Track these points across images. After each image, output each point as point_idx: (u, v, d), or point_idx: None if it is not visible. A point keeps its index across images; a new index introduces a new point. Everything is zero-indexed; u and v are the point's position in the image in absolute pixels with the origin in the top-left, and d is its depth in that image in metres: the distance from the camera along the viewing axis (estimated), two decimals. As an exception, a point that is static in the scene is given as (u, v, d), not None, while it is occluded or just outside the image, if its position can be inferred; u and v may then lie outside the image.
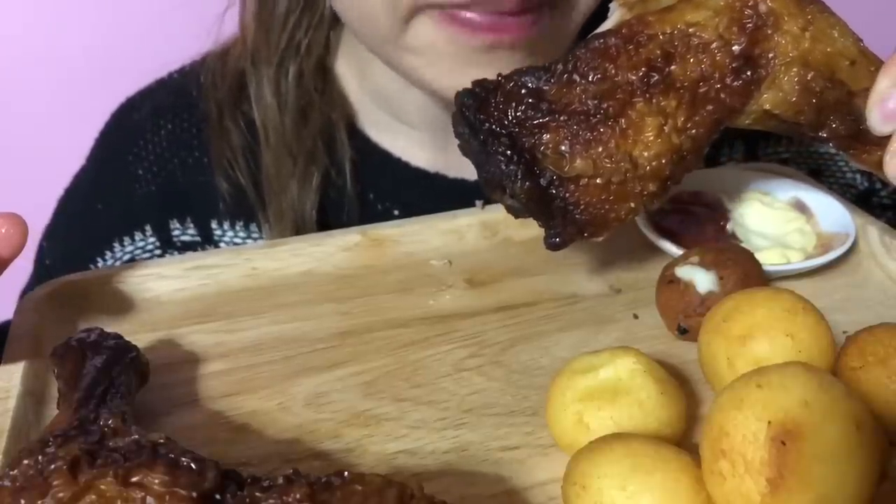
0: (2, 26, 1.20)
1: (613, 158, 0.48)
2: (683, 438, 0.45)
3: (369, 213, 0.78)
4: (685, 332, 0.53)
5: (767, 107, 0.49)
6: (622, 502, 0.38)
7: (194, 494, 0.34)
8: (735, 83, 0.48)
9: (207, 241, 0.79)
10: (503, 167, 0.49)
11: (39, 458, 0.35)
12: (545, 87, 0.49)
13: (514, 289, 0.60)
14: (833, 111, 0.49)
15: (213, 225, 0.78)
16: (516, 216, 0.53)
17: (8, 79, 1.20)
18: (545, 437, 0.46)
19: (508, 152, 0.48)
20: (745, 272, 0.54)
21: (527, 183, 0.48)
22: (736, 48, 0.48)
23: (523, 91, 0.49)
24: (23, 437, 0.46)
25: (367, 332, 0.56)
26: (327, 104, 0.77)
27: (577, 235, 0.51)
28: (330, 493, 0.35)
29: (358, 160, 0.78)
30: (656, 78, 0.48)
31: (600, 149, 0.48)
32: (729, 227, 0.63)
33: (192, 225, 0.78)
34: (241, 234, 0.78)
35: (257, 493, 0.35)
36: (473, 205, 0.66)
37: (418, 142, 0.79)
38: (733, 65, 0.48)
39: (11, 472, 0.35)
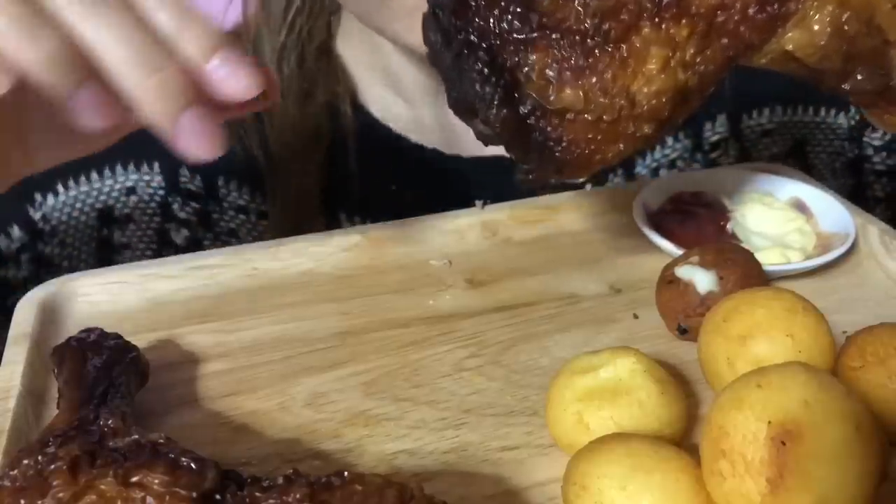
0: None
1: (608, 92, 0.42)
2: (683, 438, 0.45)
3: (368, 189, 0.78)
4: (685, 332, 0.53)
5: (790, 47, 0.43)
6: (622, 502, 0.38)
7: (194, 494, 0.34)
8: (759, 15, 0.42)
9: (211, 196, 0.78)
10: (477, 88, 0.42)
11: (39, 458, 0.35)
12: None
13: (514, 289, 0.60)
14: (863, 62, 0.43)
15: (220, 182, 0.78)
16: (486, 143, 0.45)
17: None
18: (545, 437, 0.46)
19: (486, 70, 0.41)
20: (745, 272, 0.54)
21: (503, 110, 0.42)
22: None
23: None
24: (23, 437, 0.46)
25: (367, 332, 0.56)
26: (331, 83, 0.78)
27: (555, 175, 0.45)
28: (330, 493, 0.35)
29: (359, 136, 0.78)
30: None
31: (594, 79, 0.41)
32: (729, 227, 0.63)
33: (198, 176, 0.78)
34: (246, 197, 0.78)
35: (257, 493, 0.35)
36: (469, 180, 0.65)
37: (418, 118, 0.80)
38: None
39: (11, 472, 0.35)
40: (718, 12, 0.42)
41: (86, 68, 0.39)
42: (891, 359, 0.43)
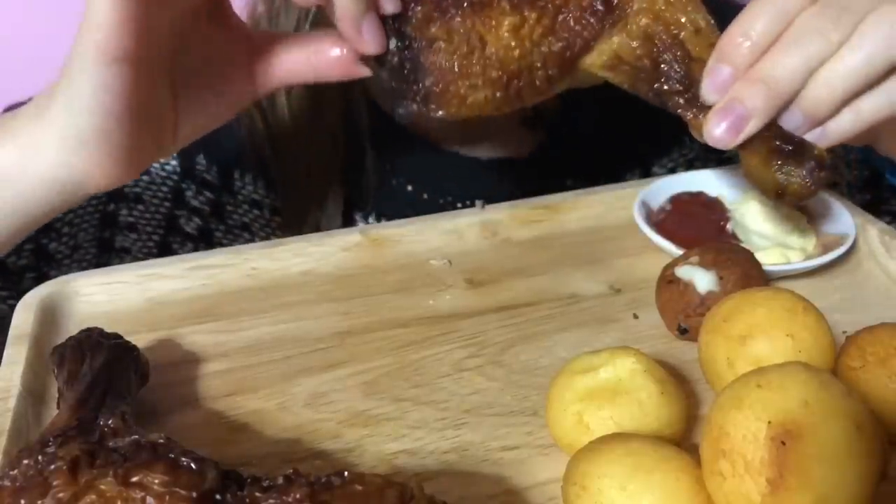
0: (1, 26, 1.20)
1: (467, 34, 0.53)
2: (683, 438, 0.45)
3: (384, 188, 0.78)
4: (685, 332, 0.53)
5: (615, 47, 0.53)
6: (622, 502, 0.38)
7: (194, 494, 0.34)
8: (590, 19, 0.53)
9: (226, 188, 0.78)
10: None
11: (39, 458, 0.35)
12: None
13: (514, 289, 0.60)
14: (670, 69, 0.53)
15: (236, 175, 0.78)
16: (383, 87, 0.56)
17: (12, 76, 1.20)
18: (545, 437, 0.46)
19: (389, 21, 0.53)
20: (745, 272, 0.54)
21: (393, 44, 0.53)
22: None
23: None
24: (23, 437, 0.46)
25: (367, 332, 0.56)
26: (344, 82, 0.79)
27: (422, 105, 0.55)
28: (330, 493, 0.35)
29: (377, 134, 0.78)
30: None
31: (458, 23, 0.53)
32: (729, 227, 0.63)
33: (215, 166, 0.78)
34: (261, 192, 0.78)
35: (257, 493, 0.35)
36: (484, 182, 0.66)
37: (435, 118, 0.80)
38: (594, 4, 0.53)
39: (11, 472, 0.35)
40: (562, 10, 0.53)
41: None
42: (891, 359, 0.43)
